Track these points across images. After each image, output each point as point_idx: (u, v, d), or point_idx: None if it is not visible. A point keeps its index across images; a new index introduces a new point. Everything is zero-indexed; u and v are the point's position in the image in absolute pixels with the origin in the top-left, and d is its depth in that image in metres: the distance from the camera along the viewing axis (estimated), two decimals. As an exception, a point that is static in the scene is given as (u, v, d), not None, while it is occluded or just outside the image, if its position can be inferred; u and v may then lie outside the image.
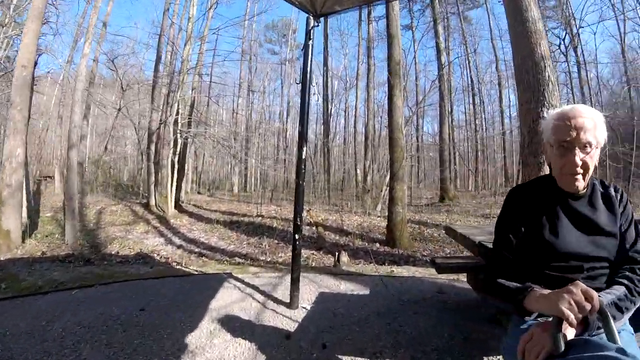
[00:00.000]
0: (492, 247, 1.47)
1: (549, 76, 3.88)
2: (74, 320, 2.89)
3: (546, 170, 1.59)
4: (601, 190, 1.39)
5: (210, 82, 20.96)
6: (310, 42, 3.22)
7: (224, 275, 4.27)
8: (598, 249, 1.28)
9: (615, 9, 18.28)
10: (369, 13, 21.46)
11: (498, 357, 2.35)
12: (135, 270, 4.92)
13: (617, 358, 0.85)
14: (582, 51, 19.08)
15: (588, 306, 0.97)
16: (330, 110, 25.76)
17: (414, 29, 26.20)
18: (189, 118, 15.01)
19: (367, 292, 3.75)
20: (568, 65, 18.75)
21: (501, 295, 1.24)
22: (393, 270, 4.87)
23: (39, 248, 7.58)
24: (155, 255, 7.44)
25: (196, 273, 4.69)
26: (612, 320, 0.99)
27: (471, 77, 27.58)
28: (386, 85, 9.68)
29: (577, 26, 18.06)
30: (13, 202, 7.41)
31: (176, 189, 14.17)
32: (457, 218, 12.65)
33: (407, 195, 10.69)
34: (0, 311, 3.10)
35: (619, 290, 1.19)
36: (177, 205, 14.54)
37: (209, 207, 15.95)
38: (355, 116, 26.86)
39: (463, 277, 3.81)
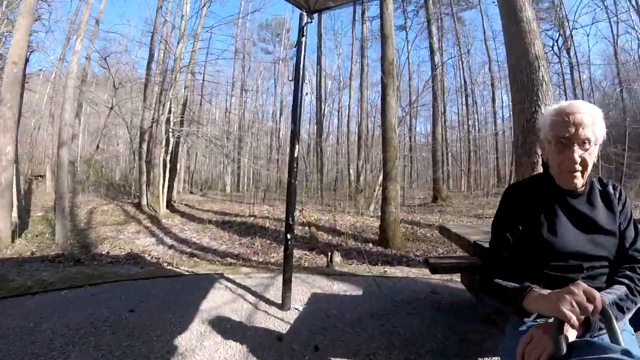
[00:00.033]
0: (488, 246, 1.44)
1: (542, 76, 3.87)
2: (63, 322, 2.85)
3: (540, 170, 1.56)
4: (599, 188, 1.36)
5: (203, 80, 20.81)
6: (304, 38, 3.19)
7: (215, 276, 4.22)
8: (597, 248, 1.25)
9: (609, 11, 18.50)
10: (363, 13, 21.51)
11: (494, 358, 2.32)
12: (125, 270, 4.87)
13: None
14: (575, 53, 19.29)
15: (590, 307, 0.93)
16: (324, 110, 25.74)
17: (407, 30, 26.26)
18: (181, 117, 14.91)
19: (360, 292, 3.72)
20: (561, 66, 18.90)
21: (499, 296, 1.21)
22: (386, 271, 4.84)
23: (28, 248, 7.51)
24: (146, 255, 7.38)
25: (187, 273, 4.64)
26: (615, 321, 0.96)
27: (464, 78, 27.72)
28: (379, 85, 9.68)
29: (571, 28, 18.21)
30: (2, 201, 7.33)
31: (168, 189, 14.08)
32: (449, 218, 12.67)
33: (400, 196, 10.70)
34: (-13, 312, 3.04)
35: (619, 290, 1.16)
36: (169, 205, 14.45)
37: (201, 207, 15.87)
38: (349, 116, 26.94)
39: (456, 277, 3.80)
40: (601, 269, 1.26)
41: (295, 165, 3.24)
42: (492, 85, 26.26)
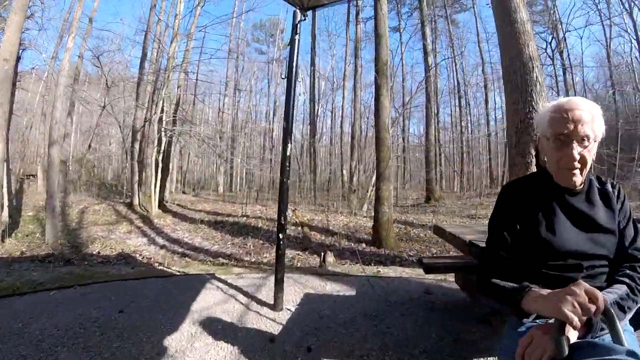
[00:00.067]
0: (484, 245, 1.41)
1: (537, 77, 3.87)
2: (52, 323, 2.80)
3: (534, 170, 1.54)
4: (598, 186, 1.34)
5: (197, 80, 20.70)
6: (297, 36, 3.17)
7: (207, 276, 4.19)
8: (597, 247, 1.22)
9: (602, 14, 18.66)
10: (357, 14, 21.51)
11: (489, 358, 2.30)
12: (116, 270, 4.84)
13: None
14: (569, 55, 19.51)
15: (593, 308, 0.90)
16: (317, 111, 25.75)
17: (401, 31, 26.40)
18: (174, 116, 14.83)
19: (353, 292, 3.70)
20: (554, 68, 19.10)
21: (496, 296, 1.18)
22: (379, 271, 4.83)
23: (18, 247, 7.44)
24: (138, 255, 7.31)
25: (178, 274, 4.59)
26: (617, 321, 0.94)
27: (457, 80, 27.92)
28: (373, 86, 9.68)
29: (564, 30, 18.38)
30: (-7, 200, 7.21)
31: (160, 189, 13.99)
32: (443, 218, 12.67)
33: (393, 196, 10.70)
34: (-25, 313, 2.98)
35: (620, 289, 1.13)
36: (161, 205, 14.34)
37: (194, 207, 15.78)
38: (342, 117, 26.89)
39: (450, 277, 3.78)
40: (601, 268, 1.23)
41: (287, 163, 3.21)
42: (485, 87, 26.41)
